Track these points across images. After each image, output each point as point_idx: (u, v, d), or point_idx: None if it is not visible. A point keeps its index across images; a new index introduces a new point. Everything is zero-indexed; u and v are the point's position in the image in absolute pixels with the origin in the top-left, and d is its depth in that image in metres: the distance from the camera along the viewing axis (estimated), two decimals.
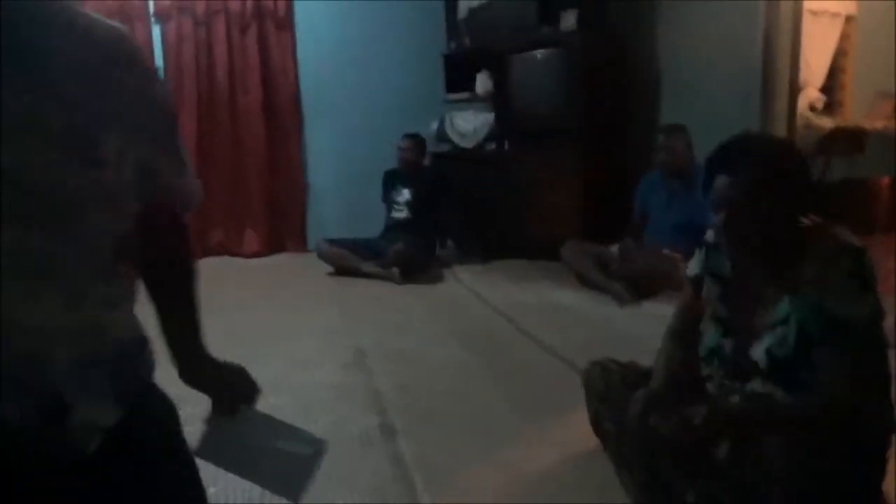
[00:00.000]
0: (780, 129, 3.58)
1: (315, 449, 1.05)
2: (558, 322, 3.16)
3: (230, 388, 1.07)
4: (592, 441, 1.78)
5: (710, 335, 1.43)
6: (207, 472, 1.02)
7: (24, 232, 0.81)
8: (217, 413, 1.07)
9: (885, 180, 5.35)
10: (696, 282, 1.50)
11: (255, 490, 1.51)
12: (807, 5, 5.47)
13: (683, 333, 1.52)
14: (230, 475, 1.04)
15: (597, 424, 1.74)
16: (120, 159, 0.88)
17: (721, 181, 1.29)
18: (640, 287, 3.40)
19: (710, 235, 1.45)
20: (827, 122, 5.34)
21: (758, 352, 1.30)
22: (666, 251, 3.35)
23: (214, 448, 1.04)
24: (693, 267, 1.51)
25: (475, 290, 3.84)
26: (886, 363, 1.29)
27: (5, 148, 0.77)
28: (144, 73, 0.92)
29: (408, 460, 1.86)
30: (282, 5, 4.92)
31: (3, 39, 0.79)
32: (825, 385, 1.21)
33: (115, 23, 0.89)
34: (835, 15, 5.94)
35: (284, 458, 1.04)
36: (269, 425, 1.07)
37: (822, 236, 1.27)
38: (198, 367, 1.08)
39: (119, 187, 0.89)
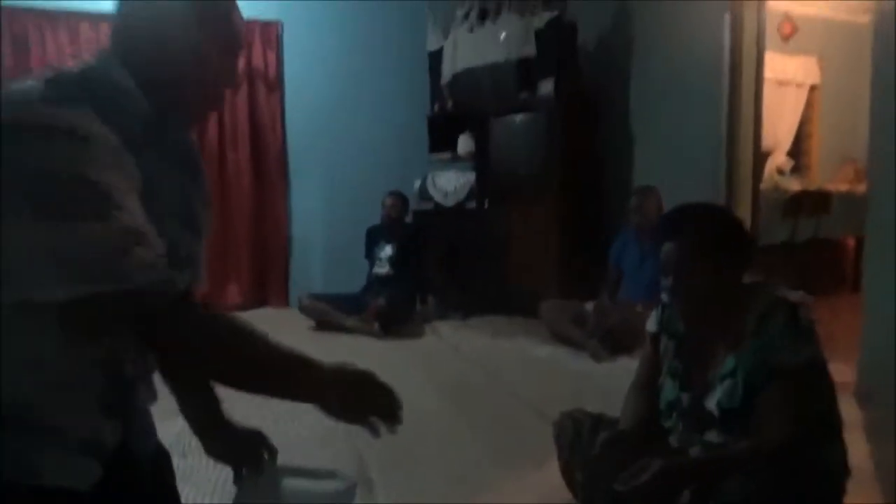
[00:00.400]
0: (745, 192, 3.75)
1: (345, 486, 1.15)
2: (535, 376, 3.23)
3: (254, 455, 1.17)
4: (565, 491, 1.84)
5: (668, 389, 1.52)
6: None
7: None
8: (245, 476, 1.16)
9: (852, 241, 5.55)
10: (655, 338, 1.60)
11: None
12: (773, 76, 5.80)
13: (645, 386, 1.61)
14: None
15: (567, 474, 1.80)
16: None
17: (667, 248, 1.43)
18: (615, 343, 3.50)
19: (664, 296, 1.57)
20: (794, 185, 5.57)
21: (711, 404, 1.40)
22: (640, 308, 3.46)
23: None
24: (651, 324, 1.62)
25: (455, 344, 3.91)
26: (833, 407, 1.39)
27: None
28: None
29: None
30: (272, 67, 5.12)
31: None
32: (768, 430, 1.30)
33: None
34: (800, 85, 6.27)
35: (318, 501, 1.12)
36: (296, 474, 1.16)
37: (760, 293, 1.39)
38: (224, 441, 1.18)
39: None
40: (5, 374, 0.88)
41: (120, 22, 0.98)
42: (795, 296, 1.38)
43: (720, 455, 1.38)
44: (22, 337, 0.88)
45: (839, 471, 1.40)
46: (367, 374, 1.03)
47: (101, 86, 0.90)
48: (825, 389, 1.36)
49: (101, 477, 0.95)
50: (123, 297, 0.83)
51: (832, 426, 1.40)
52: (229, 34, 1.00)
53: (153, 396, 1.09)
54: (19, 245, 0.80)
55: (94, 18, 4.65)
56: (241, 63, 4.98)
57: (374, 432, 1.05)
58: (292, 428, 2.59)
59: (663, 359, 1.56)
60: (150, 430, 1.10)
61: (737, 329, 1.37)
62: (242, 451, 1.18)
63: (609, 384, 3.00)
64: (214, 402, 1.22)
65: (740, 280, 1.43)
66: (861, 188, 5.03)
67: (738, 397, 1.35)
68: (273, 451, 1.21)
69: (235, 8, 1.02)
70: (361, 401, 1.01)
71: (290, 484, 1.14)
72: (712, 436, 1.41)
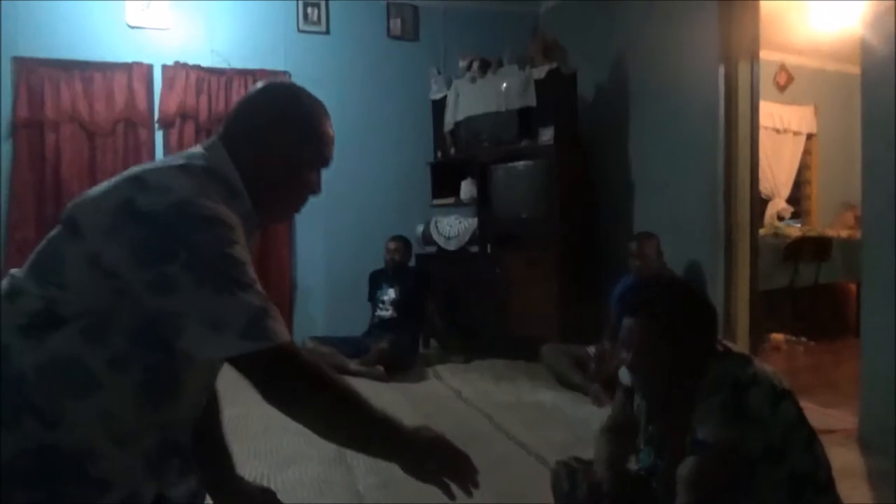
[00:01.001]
0: (743, 238, 3.80)
1: None
2: (536, 420, 3.23)
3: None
4: None
5: (644, 456, 1.54)
6: None
7: None
8: None
9: (854, 286, 5.57)
10: (627, 390, 1.62)
11: None
12: (770, 124, 5.93)
13: (612, 430, 1.62)
14: None
15: None
16: None
17: (626, 323, 1.44)
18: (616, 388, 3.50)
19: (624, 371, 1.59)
20: (794, 231, 5.63)
21: (684, 471, 1.40)
22: None
23: None
24: (623, 375, 1.63)
25: (456, 388, 3.91)
26: (819, 468, 1.39)
27: None
28: None
29: None
30: None
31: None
32: (679, 498, 1.33)
33: None
34: (797, 133, 6.39)
35: None
36: None
37: (713, 372, 1.38)
38: (236, 499, 1.25)
39: None
40: (84, 422, 0.95)
41: (235, 126, 1.13)
42: (746, 374, 1.36)
43: None
44: (111, 388, 0.96)
45: None
46: (440, 439, 1.13)
47: (221, 180, 1.06)
48: (721, 474, 1.35)
49: None
50: (270, 351, 0.96)
51: (815, 484, 1.39)
52: (327, 157, 1.20)
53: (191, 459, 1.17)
54: (194, 311, 0.93)
55: (107, 68, 4.80)
56: None
57: (449, 494, 1.12)
58: (292, 474, 2.59)
59: (638, 419, 1.57)
60: (185, 477, 1.15)
61: (700, 398, 1.38)
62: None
63: None
64: (229, 458, 1.28)
65: (702, 351, 1.42)
66: (859, 234, 5.07)
67: None
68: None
69: (331, 137, 1.20)
70: (436, 463, 1.10)
71: None
72: None
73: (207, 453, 1.25)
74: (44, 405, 0.94)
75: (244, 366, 0.97)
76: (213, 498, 1.26)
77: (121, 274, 0.95)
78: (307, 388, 1.02)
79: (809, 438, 1.41)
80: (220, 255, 0.95)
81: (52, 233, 1.03)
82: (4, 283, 1.03)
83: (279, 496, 2.31)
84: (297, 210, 1.20)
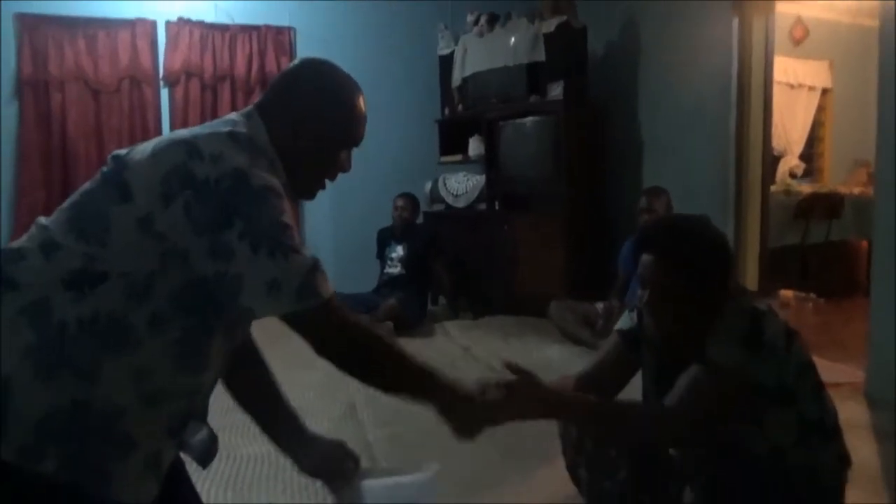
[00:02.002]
0: (754, 195, 3.77)
1: (429, 477, 1.27)
2: (544, 376, 3.23)
3: (341, 466, 1.29)
4: (571, 487, 1.87)
5: (653, 402, 1.55)
6: None
7: None
8: (337, 486, 1.28)
9: (864, 244, 5.54)
10: (625, 336, 1.61)
11: None
12: (784, 79, 5.81)
13: (590, 377, 1.62)
14: None
15: (573, 471, 1.83)
16: None
17: (644, 260, 1.43)
18: None
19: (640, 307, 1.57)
20: (805, 189, 5.57)
21: (681, 381, 1.41)
22: None
23: None
24: (624, 322, 1.62)
25: (465, 344, 3.95)
26: (825, 410, 1.41)
27: None
28: None
29: None
30: None
31: None
32: (669, 397, 1.35)
33: None
34: (811, 88, 6.27)
35: (408, 494, 1.27)
36: (384, 475, 1.32)
37: (729, 307, 1.39)
38: (314, 456, 1.29)
39: None
40: (118, 379, 0.98)
41: (273, 100, 1.16)
42: (761, 307, 1.38)
43: (594, 402, 1.42)
44: (149, 346, 0.99)
45: (835, 468, 1.42)
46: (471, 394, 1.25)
47: (262, 151, 1.10)
48: (729, 403, 1.35)
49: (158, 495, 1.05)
50: (322, 307, 1.03)
51: (822, 431, 1.41)
52: (359, 135, 1.22)
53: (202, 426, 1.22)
54: (251, 274, 0.98)
55: (110, 25, 4.74)
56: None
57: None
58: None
59: (643, 369, 1.57)
60: (198, 430, 1.21)
61: (715, 331, 1.39)
62: (331, 464, 1.30)
63: None
64: (297, 419, 1.34)
65: (717, 293, 1.42)
66: (872, 191, 5.02)
67: None
68: (356, 459, 1.33)
69: (364, 117, 1.22)
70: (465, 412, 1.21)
71: (380, 483, 1.28)
72: None
73: (272, 412, 1.32)
74: (81, 360, 0.96)
75: (298, 322, 1.04)
76: (293, 460, 1.32)
77: (173, 238, 0.98)
78: (355, 342, 1.09)
79: (818, 386, 1.42)
80: (273, 223, 0.99)
81: (90, 187, 1.05)
82: (34, 232, 1.03)
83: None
84: (323, 186, 1.23)
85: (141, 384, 0.99)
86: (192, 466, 1.27)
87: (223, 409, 1.34)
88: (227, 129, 1.08)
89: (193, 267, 0.99)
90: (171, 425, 1.06)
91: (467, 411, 1.21)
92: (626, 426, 1.38)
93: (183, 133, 1.07)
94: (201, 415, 1.19)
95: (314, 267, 1.03)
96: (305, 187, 1.20)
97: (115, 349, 0.97)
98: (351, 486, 1.25)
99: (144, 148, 1.05)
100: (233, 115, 1.15)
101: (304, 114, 1.15)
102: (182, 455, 1.23)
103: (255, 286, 0.98)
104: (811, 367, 1.41)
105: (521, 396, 1.28)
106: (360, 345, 1.10)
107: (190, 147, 1.01)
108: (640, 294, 1.45)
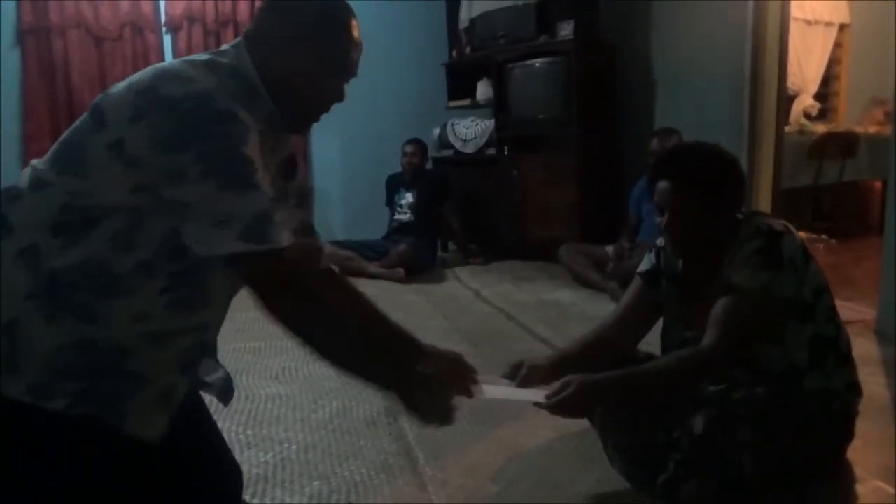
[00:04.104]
0: (768, 135, 3.71)
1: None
2: (555, 319, 3.29)
3: (462, 381, 1.28)
4: (583, 421, 1.90)
5: (674, 332, 1.56)
6: None
7: None
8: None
9: (878, 184, 5.47)
10: (646, 276, 1.61)
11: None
12: (801, 15, 5.64)
13: (614, 324, 1.62)
14: None
15: None
16: None
17: (661, 186, 1.44)
18: None
19: (660, 240, 1.58)
20: (820, 128, 5.47)
21: (716, 312, 1.41)
22: None
23: None
24: (644, 264, 1.63)
25: (475, 288, 3.98)
26: (839, 334, 1.41)
27: None
28: None
29: (411, 438, 1.99)
30: None
31: None
32: (708, 336, 1.35)
33: None
34: (828, 24, 6.08)
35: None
36: (501, 383, 1.44)
37: (746, 226, 1.41)
38: (440, 360, 1.31)
39: None
40: (119, 321, 0.98)
41: (259, 27, 1.11)
42: (778, 225, 1.39)
43: (643, 370, 1.41)
44: (140, 292, 0.99)
45: (847, 397, 1.44)
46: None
47: (242, 81, 1.05)
48: (767, 320, 1.36)
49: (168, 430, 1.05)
50: (269, 254, 0.95)
51: (837, 353, 1.42)
52: (350, 67, 1.15)
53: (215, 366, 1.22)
54: (199, 203, 0.94)
55: None
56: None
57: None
58: (319, 368, 2.68)
59: (665, 303, 1.58)
60: (216, 370, 1.23)
61: (729, 263, 1.40)
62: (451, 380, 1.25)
63: None
64: (411, 335, 1.37)
65: (733, 216, 1.45)
66: (889, 130, 4.92)
67: None
68: (474, 371, 1.34)
69: (358, 42, 1.15)
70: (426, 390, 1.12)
71: (498, 390, 1.39)
72: None
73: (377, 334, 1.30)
74: (78, 305, 0.96)
75: (243, 270, 0.98)
76: (402, 395, 1.12)
77: (142, 162, 0.95)
78: (303, 302, 1.00)
79: (833, 309, 1.44)
80: (229, 151, 0.94)
81: (76, 123, 1.03)
82: (27, 172, 1.03)
83: (304, 386, 2.42)
84: (317, 119, 1.18)
85: (141, 325, 1.00)
86: (213, 406, 1.30)
87: (236, 350, 1.36)
88: (206, 56, 1.06)
89: (161, 197, 0.95)
90: (183, 362, 1.07)
91: (430, 398, 1.09)
92: (680, 380, 1.38)
93: (164, 63, 1.05)
94: (214, 354, 1.20)
95: (268, 209, 0.95)
96: (296, 119, 1.15)
97: (107, 295, 0.97)
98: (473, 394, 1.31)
99: (128, 78, 1.03)
100: (223, 47, 1.12)
101: (293, 36, 1.08)
102: (203, 394, 1.25)
103: (200, 216, 0.93)
104: (827, 290, 1.43)
105: (575, 391, 1.28)
106: (310, 311, 1.01)
107: (164, 71, 0.99)
108: (659, 221, 1.47)
